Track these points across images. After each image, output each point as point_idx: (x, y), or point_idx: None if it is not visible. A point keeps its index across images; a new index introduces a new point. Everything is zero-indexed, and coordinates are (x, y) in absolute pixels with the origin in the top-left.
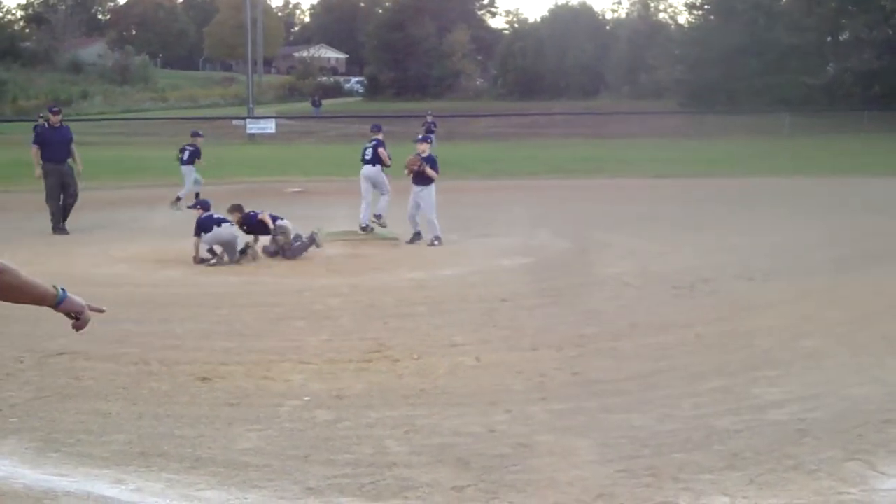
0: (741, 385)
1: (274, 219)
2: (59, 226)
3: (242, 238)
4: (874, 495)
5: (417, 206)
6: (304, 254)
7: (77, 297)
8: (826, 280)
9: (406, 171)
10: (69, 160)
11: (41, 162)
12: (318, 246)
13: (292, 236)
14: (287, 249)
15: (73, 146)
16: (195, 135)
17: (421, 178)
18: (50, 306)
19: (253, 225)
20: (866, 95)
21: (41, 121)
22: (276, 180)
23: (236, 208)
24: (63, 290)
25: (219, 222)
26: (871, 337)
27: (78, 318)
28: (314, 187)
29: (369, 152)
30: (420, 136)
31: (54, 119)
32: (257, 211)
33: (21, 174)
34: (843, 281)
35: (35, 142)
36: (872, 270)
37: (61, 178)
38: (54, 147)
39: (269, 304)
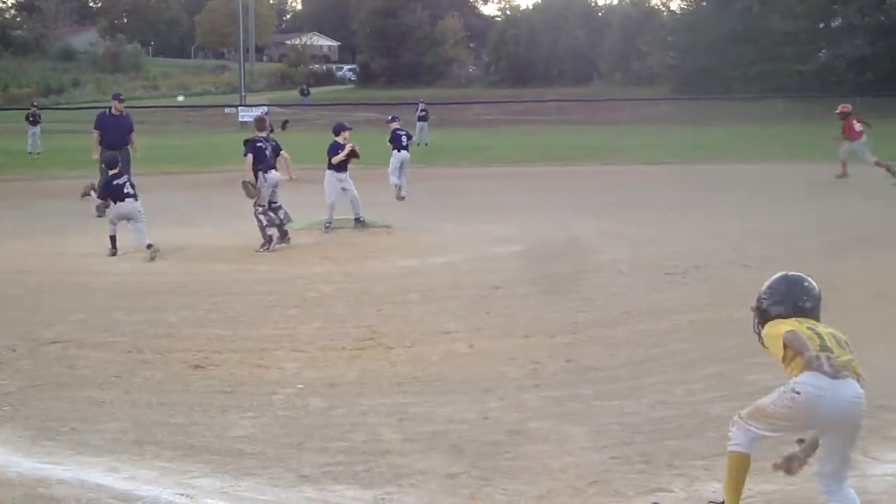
0: (735, 371)
1: (265, 167)
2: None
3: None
4: (866, 481)
5: (344, 191)
6: (280, 245)
7: None
8: (819, 266)
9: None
10: (128, 147)
11: (100, 147)
12: (265, 245)
13: (269, 205)
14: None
15: (133, 134)
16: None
17: (345, 166)
18: None
19: (253, 150)
20: (858, 81)
21: (33, 108)
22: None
23: (260, 122)
24: None
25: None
26: (863, 323)
27: None
28: (305, 175)
29: (405, 139)
30: (344, 125)
31: (118, 106)
32: (270, 144)
33: (15, 163)
34: (836, 267)
35: (95, 127)
36: (865, 256)
37: None
38: (111, 133)
39: (261, 292)
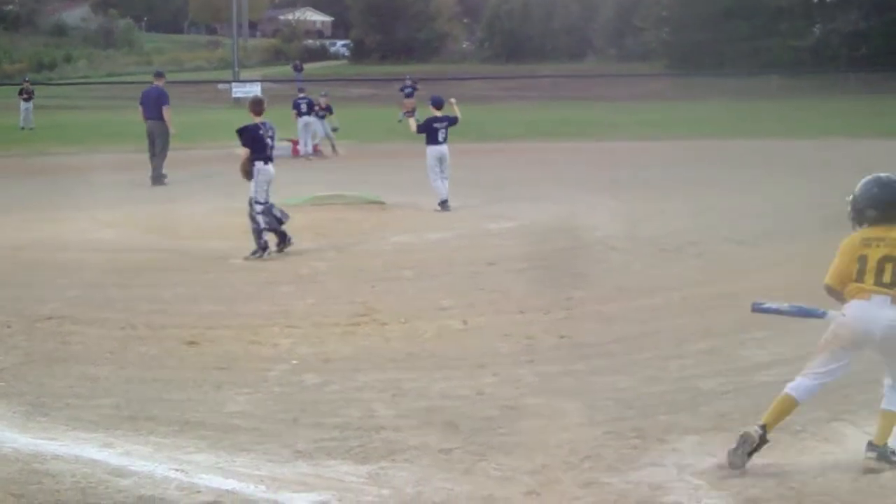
0: (728, 347)
1: (264, 158)
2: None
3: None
4: (858, 455)
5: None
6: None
7: None
8: (813, 241)
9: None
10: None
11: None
12: (258, 253)
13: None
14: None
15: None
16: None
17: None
18: None
19: (251, 141)
20: (852, 57)
21: (26, 84)
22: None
23: (258, 105)
24: None
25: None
26: None
27: None
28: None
29: (304, 106)
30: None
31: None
32: (270, 130)
33: (6, 139)
34: (831, 242)
35: (168, 102)
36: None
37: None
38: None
39: (255, 269)
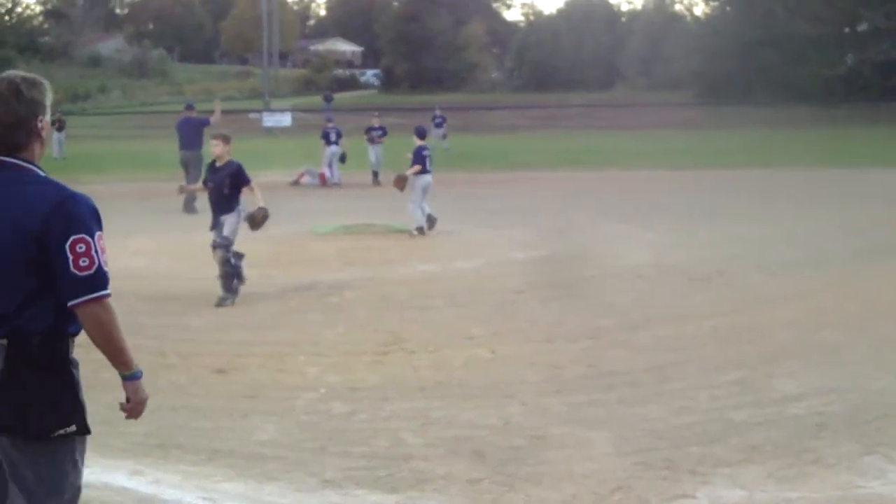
0: (759, 378)
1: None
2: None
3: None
4: (893, 489)
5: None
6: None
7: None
8: (844, 272)
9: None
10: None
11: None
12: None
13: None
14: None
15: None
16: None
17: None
18: (121, 373)
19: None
20: (885, 86)
21: (59, 115)
22: (291, 173)
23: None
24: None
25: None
26: (890, 329)
27: (129, 401)
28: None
29: (334, 135)
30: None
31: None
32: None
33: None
34: (862, 272)
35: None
36: (891, 262)
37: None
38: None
39: (283, 297)
